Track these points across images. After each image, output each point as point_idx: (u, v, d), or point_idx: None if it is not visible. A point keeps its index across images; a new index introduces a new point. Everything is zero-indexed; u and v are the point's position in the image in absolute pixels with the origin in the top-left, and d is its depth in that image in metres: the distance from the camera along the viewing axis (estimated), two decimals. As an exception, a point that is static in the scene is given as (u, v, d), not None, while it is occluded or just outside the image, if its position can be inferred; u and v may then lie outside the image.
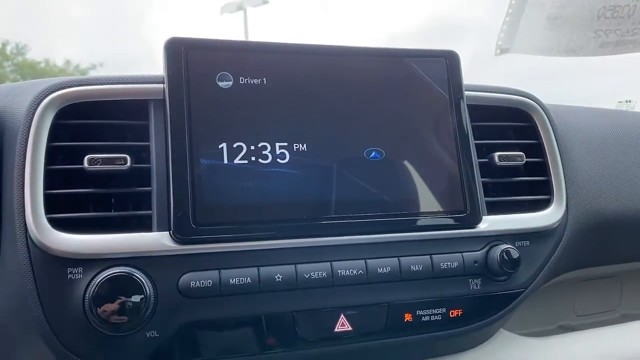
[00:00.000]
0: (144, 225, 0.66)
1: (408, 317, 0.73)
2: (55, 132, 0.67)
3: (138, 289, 0.62)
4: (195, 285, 0.64)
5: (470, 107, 0.81)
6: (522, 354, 0.87)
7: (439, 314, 0.74)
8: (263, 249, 0.68)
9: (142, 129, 0.70)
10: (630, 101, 2.01)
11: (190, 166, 0.66)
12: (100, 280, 0.61)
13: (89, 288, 0.61)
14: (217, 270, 0.66)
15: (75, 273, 0.62)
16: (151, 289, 0.62)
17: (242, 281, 0.66)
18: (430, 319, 0.74)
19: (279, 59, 0.72)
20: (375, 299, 0.72)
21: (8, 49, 13.58)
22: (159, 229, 0.66)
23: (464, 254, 0.75)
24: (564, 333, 1.01)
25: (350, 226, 0.71)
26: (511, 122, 0.88)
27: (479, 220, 0.77)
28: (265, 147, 0.70)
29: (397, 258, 0.72)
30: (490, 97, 0.87)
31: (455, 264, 0.74)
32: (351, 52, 0.76)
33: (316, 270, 0.69)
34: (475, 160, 0.80)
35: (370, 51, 0.77)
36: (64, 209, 0.65)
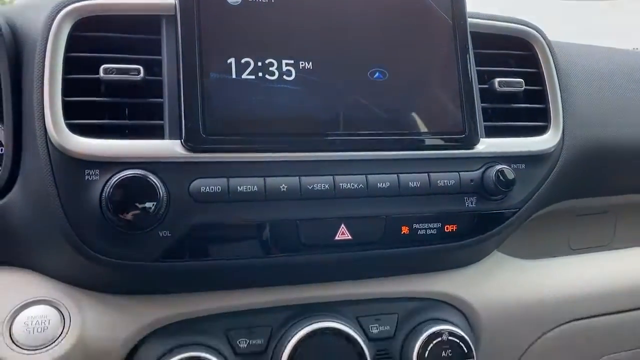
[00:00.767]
0: (156, 134, 0.70)
1: (405, 229, 0.77)
2: (72, 44, 0.70)
3: (152, 190, 0.66)
4: (205, 190, 0.68)
5: (473, 35, 0.84)
6: (515, 274, 0.92)
7: (435, 228, 0.78)
8: (269, 161, 0.72)
9: (154, 43, 0.73)
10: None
11: (200, 79, 0.69)
12: (116, 181, 0.65)
13: (105, 189, 0.65)
14: (226, 178, 0.69)
15: (92, 174, 0.66)
16: (164, 191, 0.66)
17: (249, 189, 0.70)
18: (426, 232, 0.78)
19: (287, -23, 0.75)
20: (374, 211, 0.75)
21: None
22: (171, 138, 0.69)
23: (460, 173, 0.79)
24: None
25: (352, 142, 0.75)
26: (512, 51, 0.90)
27: (476, 142, 0.80)
28: (272, 64, 0.72)
29: (396, 174, 0.76)
30: (492, 25, 0.88)
31: (452, 182, 0.78)
32: (358, -26, 0.78)
33: (319, 183, 0.73)
34: (475, 83, 0.82)
35: (377, -26, 0.79)
36: (81, 117, 0.69)
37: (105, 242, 0.66)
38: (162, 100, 0.71)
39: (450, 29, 0.81)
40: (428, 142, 0.78)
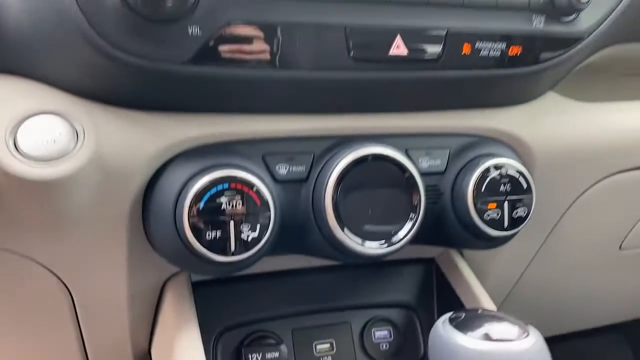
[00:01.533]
0: None
1: (466, 48, 0.67)
2: None
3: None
4: None
5: None
6: (573, 115, 0.84)
7: (498, 49, 0.69)
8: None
9: None
10: None
11: None
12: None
13: None
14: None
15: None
16: None
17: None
18: (488, 53, 0.68)
19: None
20: (434, 23, 0.65)
21: None
22: None
23: (531, -16, 0.68)
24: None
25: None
26: None
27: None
28: None
29: (460, -20, 0.65)
30: None
31: None
32: None
33: None
34: None
35: None
36: None
37: (126, 36, 0.55)
38: None
39: None
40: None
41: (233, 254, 0.61)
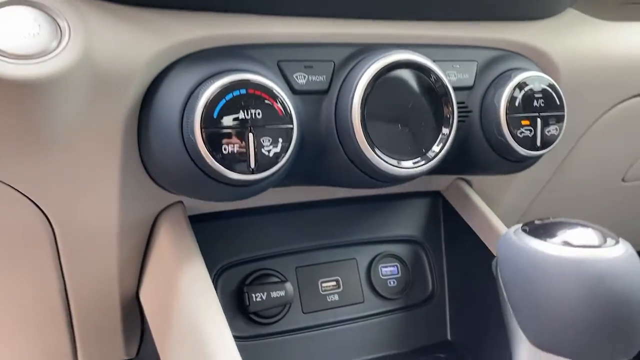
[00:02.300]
0: None
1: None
2: None
3: None
4: None
5: None
6: (597, 33, 0.78)
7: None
8: None
9: None
10: None
11: None
12: None
13: None
14: None
15: None
16: None
17: None
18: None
19: None
20: None
21: None
22: None
23: None
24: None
25: None
26: None
27: None
28: None
29: None
30: None
31: None
32: None
33: None
34: None
35: None
36: None
37: None
38: None
39: None
40: None
41: (253, 172, 0.53)
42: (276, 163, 0.54)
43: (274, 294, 0.73)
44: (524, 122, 0.65)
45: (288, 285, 0.74)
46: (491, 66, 0.68)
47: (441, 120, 0.61)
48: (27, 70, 0.46)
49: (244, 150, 0.52)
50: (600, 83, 0.79)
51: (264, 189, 0.58)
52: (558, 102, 0.67)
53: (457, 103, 0.65)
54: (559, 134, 0.68)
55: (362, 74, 0.58)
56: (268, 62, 0.58)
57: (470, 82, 0.67)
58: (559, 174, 0.89)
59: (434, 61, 0.64)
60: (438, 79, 0.61)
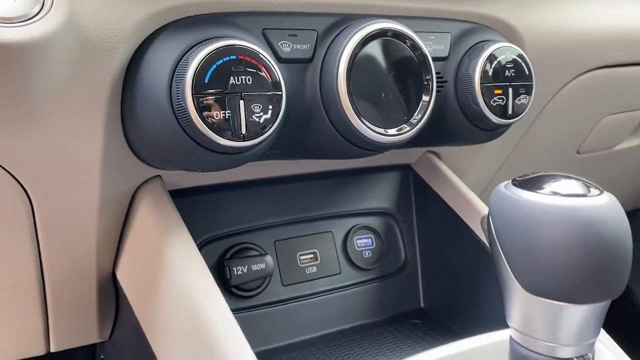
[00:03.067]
0: None
1: None
2: None
3: None
4: None
5: None
6: (565, 9, 0.82)
7: None
8: None
9: None
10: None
11: None
12: None
13: None
14: None
15: None
16: None
17: None
18: None
19: None
20: None
21: None
22: None
23: None
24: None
25: None
26: None
27: None
28: None
29: None
30: None
31: None
32: None
33: None
34: None
35: None
36: None
37: None
38: None
39: None
40: None
41: (244, 139, 0.53)
42: (266, 130, 0.54)
43: (254, 267, 0.74)
44: (496, 92, 0.68)
45: (268, 258, 0.75)
46: (464, 38, 0.71)
47: (421, 88, 0.63)
48: (8, 33, 0.45)
49: (235, 116, 0.52)
50: (562, 56, 0.83)
51: (252, 158, 0.58)
52: (527, 72, 0.70)
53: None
54: (528, 103, 0.71)
55: (347, 43, 0.59)
56: (253, 30, 0.58)
57: (445, 53, 0.69)
58: (521, 146, 0.93)
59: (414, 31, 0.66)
60: (417, 47, 0.62)
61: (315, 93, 0.60)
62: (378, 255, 0.84)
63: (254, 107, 0.53)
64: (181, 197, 0.70)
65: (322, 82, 0.60)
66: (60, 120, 0.54)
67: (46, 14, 0.47)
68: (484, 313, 0.76)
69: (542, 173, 0.47)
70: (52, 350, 0.77)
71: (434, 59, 0.67)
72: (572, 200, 0.42)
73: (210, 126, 0.52)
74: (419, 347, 0.74)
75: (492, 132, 0.72)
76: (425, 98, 0.63)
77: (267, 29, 0.58)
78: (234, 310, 0.66)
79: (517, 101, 0.70)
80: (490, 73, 0.68)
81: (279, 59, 0.58)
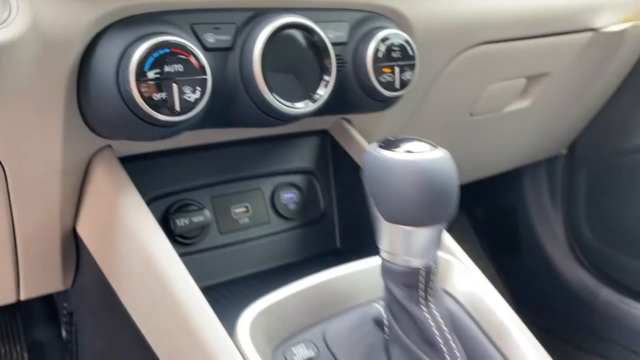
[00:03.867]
0: None
1: None
2: None
3: None
4: None
5: None
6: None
7: None
8: None
9: None
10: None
11: None
12: None
13: None
14: None
15: None
16: None
17: None
18: None
19: None
20: None
21: None
22: None
23: None
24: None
25: None
26: None
27: None
28: None
29: None
30: None
31: None
32: None
33: None
34: None
35: None
36: None
37: None
38: None
39: None
40: None
41: (178, 114, 0.68)
42: (195, 106, 0.69)
43: (194, 219, 0.88)
44: (385, 70, 0.84)
45: (206, 211, 0.89)
46: (360, 25, 0.86)
47: (323, 69, 0.79)
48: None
49: (170, 97, 0.67)
50: (448, 36, 1.00)
51: (186, 129, 0.73)
52: (411, 54, 0.87)
53: (335, 56, 0.83)
54: (412, 78, 0.88)
55: (259, 34, 0.73)
56: (183, 25, 0.71)
57: (344, 39, 0.84)
58: (419, 111, 1.11)
59: (315, 22, 0.81)
60: (319, 36, 0.78)
61: (236, 75, 0.75)
62: (301, 207, 1.00)
63: (184, 88, 0.67)
64: (130, 163, 0.83)
65: (241, 66, 0.74)
66: (28, 104, 0.67)
67: (14, 19, 0.60)
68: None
69: (401, 136, 0.63)
70: (21, 298, 0.90)
71: (335, 44, 0.82)
72: (415, 155, 0.59)
73: (150, 105, 0.66)
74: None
75: (385, 102, 0.89)
76: (326, 78, 0.79)
77: (195, 24, 0.72)
78: (180, 255, 0.82)
79: (402, 77, 0.86)
80: (380, 55, 0.84)
81: (205, 48, 0.73)
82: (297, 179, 1.01)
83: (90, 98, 0.69)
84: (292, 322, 0.68)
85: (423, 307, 0.62)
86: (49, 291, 0.94)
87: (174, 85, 0.67)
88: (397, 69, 0.85)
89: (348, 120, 1.03)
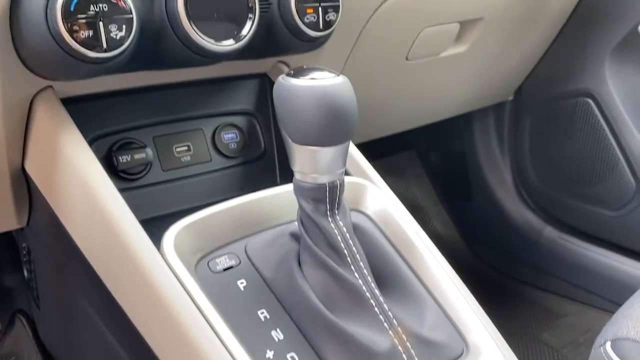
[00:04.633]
0: None
1: None
2: None
3: None
4: None
5: None
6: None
7: None
8: None
9: None
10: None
11: None
12: None
13: None
14: None
15: None
16: None
17: None
18: None
19: None
20: None
21: None
22: None
23: None
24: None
25: None
26: None
27: None
28: None
29: None
30: None
31: None
32: None
33: None
34: None
35: None
36: None
37: None
38: None
39: None
40: None
41: (105, 51, 0.73)
42: (122, 44, 0.74)
43: (136, 156, 0.94)
44: (308, 10, 0.90)
45: (148, 150, 0.95)
46: None
47: (247, 9, 0.84)
48: None
49: (97, 35, 0.72)
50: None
51: (117, 66, 0.78)
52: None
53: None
54: (336, 19, 0.93)
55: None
56: None
57: (268, -19, 0.90)
58: (355, 55, 1.17)
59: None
60: None
61: (163, 16, 0.80)
62: (242, 146, 1.06)
63: (111, 27, 0.73)
64: (73, 104, 0.89)
65: (167, 6, 0.79)
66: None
67: None
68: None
69: (310, 66, 0.70)
70: None
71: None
72: (318, 81, 0.66)
73: (80, 43, 0.71)
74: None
75: (312, 42, 0.95)
76: (250, 16, 0.85)
77: None
78: (123, 190, 0.88)
79: (326, 18, 0.92)
80: (297, -3, 0.89)
81: None
82: (237, 119, 1.06)
83: (23, 39, 0.74)
84: (217, 238, 0.75)
85: (329, 218, 0.69)
86: (4, 229, 1.00)
87: (101, 24, 0.72)
88: (320, 10, 0.91)
89: (286, 64, 1.09)
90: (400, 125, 1.58)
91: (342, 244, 0.69)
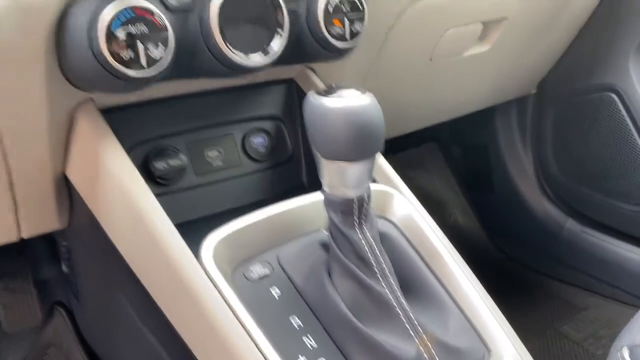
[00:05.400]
0: None
1: None
2: None
3: None
4: None
5: None
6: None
7: None
8: None
9: None
10: None
11: None
12: None
13: None
14: None
15: None
16: None
17: None
18: None
19: None
20: None
21: None
22: None
23: None
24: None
25: None
26: None
27: None
28: None
29: None
30: None
31: None
32: None
33: None
34: None
35: None
36: None
37: None
38: None
39: None
40: None
41: (145, 69, 0.77)
42: (161, 62, 0.78)
43: (172, 163, 0.98)
44: (335, 22, 0.93)
45: (182, 156, 0.99)
46: None
47: (276, 24, 0.87)
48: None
49: (136, 54, 0.76)
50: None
51: (156, 82, 0.82)
52: (360, 7, 0.95)
53: (290, 10, 0.91)
54: (362, 30, 0.96)
55: (216, -6, 0.82)
56: None
57: (296, -9, 0.93)
58: (380, 59, 1.19)
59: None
60: None
61: (197, 32, 0.83)
62: (270, 150, 1.10)
63: (150, 46, 0.77)
64: (111, 114, 0.93)
65: (201, 24, 0.83)
66: (13, 68, 0.76)
67: None
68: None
69: (339, 85, 0.73)
70: (23, 236, 1.02)
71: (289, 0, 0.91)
72: (347, 100, 0.69)
73: (120, 63, 0.75)
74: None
75: (339, 52, 0.98)
76: (279, 31, 0.88)
77: None
78: (159, 195, 0.93)
79: (352, 29, 0.95)
80: (330, 9, 0.92)
81: (168, 9, 0.81)
82: (266, 124, 1.10)
83: (67, 57, 0.78)
84: (251, 247, 0.80)
85: (357, 230, 0.73)
86: (47, 230, 1.05)
87: (140, 44, 0.76)
88: (346, 21, 0.94)
89: (312, 70, 1.12)
90: (422, 121, 1.61)
91: (369, 255, 0.73)
